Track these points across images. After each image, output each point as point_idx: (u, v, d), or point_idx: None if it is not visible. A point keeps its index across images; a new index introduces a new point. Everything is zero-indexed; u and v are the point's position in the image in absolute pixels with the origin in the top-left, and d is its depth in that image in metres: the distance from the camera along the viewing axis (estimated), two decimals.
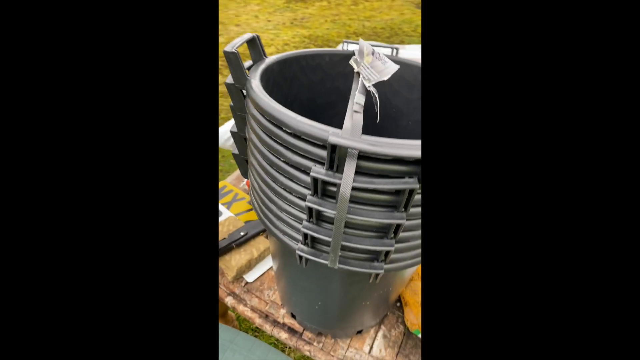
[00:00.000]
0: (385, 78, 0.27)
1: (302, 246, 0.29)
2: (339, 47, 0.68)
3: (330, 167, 0.23)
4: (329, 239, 0.26)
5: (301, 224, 0.28)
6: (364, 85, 0.28)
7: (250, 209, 0.66)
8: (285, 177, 0.27)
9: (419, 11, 4.01)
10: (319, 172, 0.23)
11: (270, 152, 0.28)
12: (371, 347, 0.47)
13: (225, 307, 0.83)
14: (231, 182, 0.73)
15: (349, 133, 0.22)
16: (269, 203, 0.31)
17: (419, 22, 3.57)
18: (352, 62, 0.36)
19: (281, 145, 0.26)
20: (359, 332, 0.47)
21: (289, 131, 0.25)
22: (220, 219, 0.63)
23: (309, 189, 0.27)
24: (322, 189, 0.25)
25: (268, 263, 0.56)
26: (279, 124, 0.25)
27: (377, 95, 0.28)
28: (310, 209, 0.26)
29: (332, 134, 0.21)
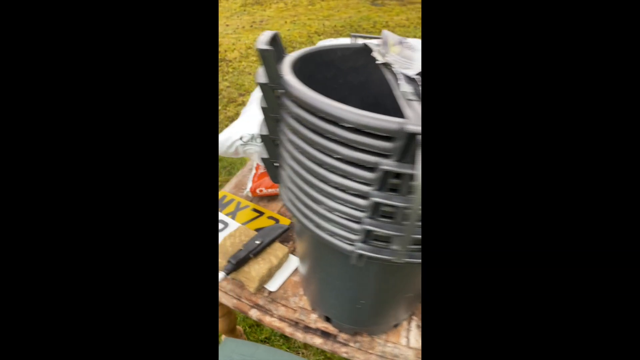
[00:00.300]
0: None
1: (361, 245, 0.28)
2: (327, 41, 0.68)
3: (401, 159, 0.23)
4: (399, 234, 0.25)
5: (358, 222, 0.27)
6: (405, 75, 0.28)
7: (258, 216, 0.63)
8: (340, 175, 0.26)
9: (375, 8, 4.10)
10: (390, 164, 0.23)
11: (319, 151, 0.27)
12: (408, 339, 0.47)
13: (234, 323, 0.80)
14: (230, 191, 0.70)
15: (417, 120, 0.22)
16: (314, 205, 0.30)
17: (377, 19, 3.65)
18: (375, 54, 0.35)
19: (335, 142, 0.25)
20: (395, 325, 0.47)
21: (347, 126, 0.24)
22: (227, 230, 0.61)
23: (366, 184, 0.26)
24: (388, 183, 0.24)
25: (288, 269, 0.54)
26: (334, 120, 0.24)
27: (419, 83, 0.28)
28: (376, 205, 0.25)
29: (408, 124, 0.21)
